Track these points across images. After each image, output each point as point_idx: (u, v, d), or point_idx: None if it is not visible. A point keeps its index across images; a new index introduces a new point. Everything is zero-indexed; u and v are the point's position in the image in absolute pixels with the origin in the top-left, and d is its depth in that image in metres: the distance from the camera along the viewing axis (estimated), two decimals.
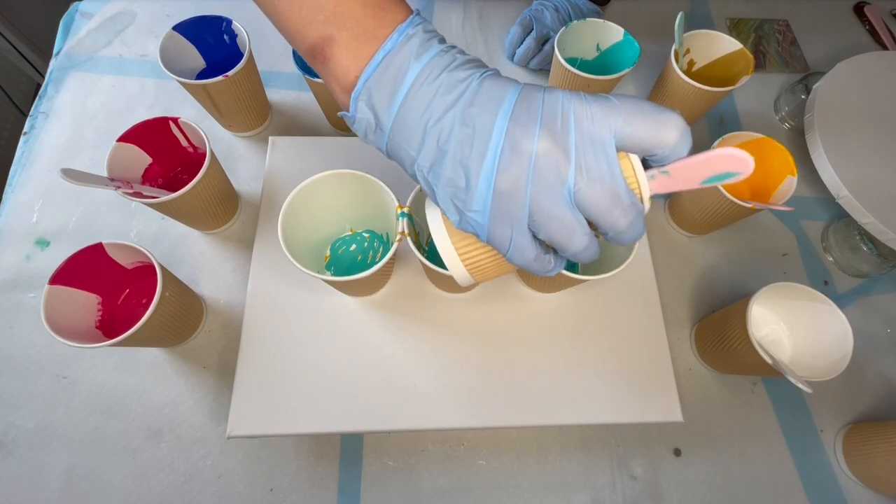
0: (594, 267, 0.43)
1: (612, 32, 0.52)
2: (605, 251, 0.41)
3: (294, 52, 0.48)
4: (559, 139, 0.23)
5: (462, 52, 0.26)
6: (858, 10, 0.72)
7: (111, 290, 0.43)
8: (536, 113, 0.23)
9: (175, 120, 0.44)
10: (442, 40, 0.26)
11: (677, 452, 0.45)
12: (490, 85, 0.24)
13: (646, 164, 0.25)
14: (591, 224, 0.25)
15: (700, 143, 0.60)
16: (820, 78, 0.57)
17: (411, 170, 0.26)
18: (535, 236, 0.25)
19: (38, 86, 0.74)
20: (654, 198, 0.56)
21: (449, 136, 0.24)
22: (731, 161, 0.23)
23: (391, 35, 0.25)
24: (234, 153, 0.56)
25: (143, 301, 0.44)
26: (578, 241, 0.24)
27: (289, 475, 0.43)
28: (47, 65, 0.60)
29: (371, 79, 0.25)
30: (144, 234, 0.51)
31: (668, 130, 0.23)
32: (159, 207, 0.42)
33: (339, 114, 0.27)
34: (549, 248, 0.26)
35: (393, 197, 0.37)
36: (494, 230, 0.24)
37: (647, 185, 0.24)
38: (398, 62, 0.25)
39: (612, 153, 0.23)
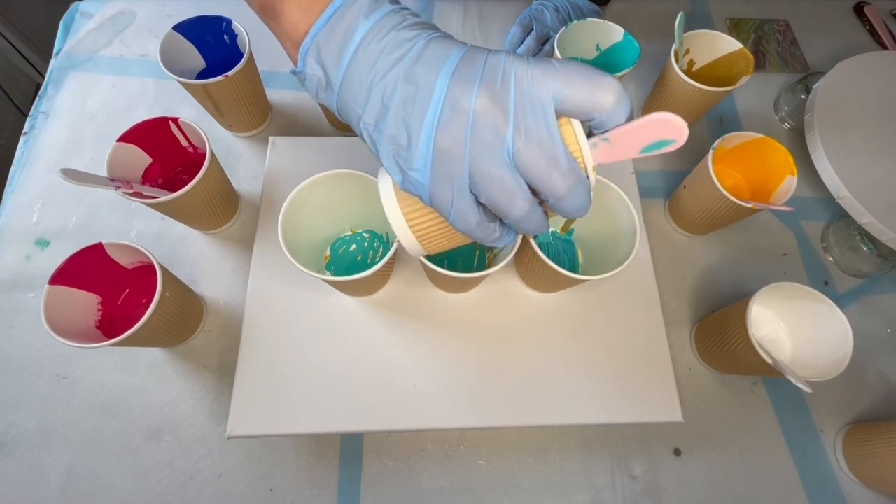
0: (594, 267, 0.43)
1: (612, 32, 0.52)
2: (605, 251, 0.41)
3: None
4: (498, 98, 0.22)
5: (414, 15, 0.26)
6: (858, 10, 0.72)
7: (111, 290, 0.43)
8: (477, 72, 0.23)
9: (175, 120, 0.44)
10: (394, 1, 0.26)
11: (677, 452, 0.45)
12: (436, 45, 0.24)
13: (590, 137, 0.25)
14: (534, 193, 0.25)
15: (700, 143, 0.60)
16: (820, 78, 0.57)
17: (358, 128, 0.26)
18: (478, 201, 0.25)
19: (38, 86, 0.74)
20: (650, 197, 0.56)
21: (393, 92, 0.24)
22: (665, 126, 0.22)
23: None
24: (234, 153, 0.56)
25: (143, 301, 0.44)
26: (519, 205, 0.24)
27: (289, 475, 0.43)
28: (47, 65, 0.60)
29: (320, 35, 0.25)
30: (144, 234, 0.51)
31: (605, 93, 0.23)
32: (159, 207, 0.42)
33: (290, 70, 0.28)
34: (494, 216, 0.26)
35: None
36: (436, 191, 0.24)
37: (589, 151, 0.24)
38: (348, 19, 0.25)
39: (550, 115, 0.23)
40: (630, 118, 0.24)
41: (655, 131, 0.23)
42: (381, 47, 0.24)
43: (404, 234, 0.29)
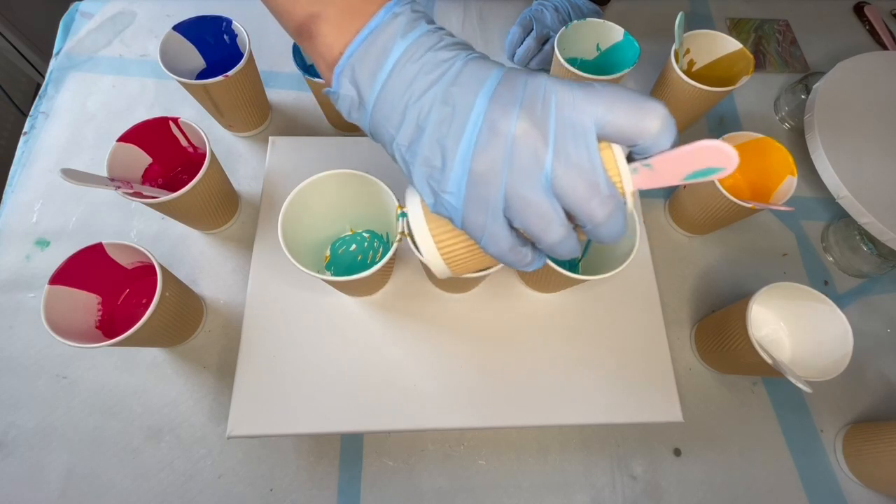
0: (594, 267, 0.43)
1: (612, 32, 0.52)
2: (605, 251, 0.41)
3: (294, 52, 0.48)
4: (539, 122, 0.22)
5: (450, 34, 0.25)
6: (858, 10, 0.72)
7: (111, 290, 0.43)
8: (517, 95, 0.23)
9: (175, 120, 0.44)
10: (430, 21, 0.26)
11: (677, 452, 0.45)
12: (474, 66, 0.24)
13: (631, 160, 0.24)
14: (569, 217, 0.24)
15: None
16: (820, 78, 0.57)
17: (390, 149, 0.26)
18: (511, 226, 0.24)
19: (38, 86, 0.74)
20: (650, 197, 0.56)
21: (428, 114, 0.24)
22: (715, 154, 0.22)
23: (378, 12, 0.25)
24: (234, 153, 0.56)
25: (143, 301, 0.44)
26: (555, 231, 0.23)
27: (289, 475, 0.43)
28: (47, 65, 0.60)
29: (355, 55, 0.25)
30: (144, 234, 0.51)
31: (650, 119, 0.22)
32: (159, 207, 0.42)
33: (324, 91, 0.27)
34: (526, 240, 0.26)
35: (393, 197, 0.37)
36: (469, 215, 0.24)
37: (629, 177, 0.24)
38: (384, 39, 0.25)
39: (592, 140, 0.22)
40: (675, 144, 0.23)
41: (704, 159, 0.22)
42: (417, 68, 0.24)
43: (432, 255, 0.28)
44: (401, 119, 0.25)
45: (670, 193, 0.56)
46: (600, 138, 0.23)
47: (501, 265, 0.35)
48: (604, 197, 0.23)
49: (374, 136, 0.27)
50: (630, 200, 0.24)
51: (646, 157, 0.23)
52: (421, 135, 0.24)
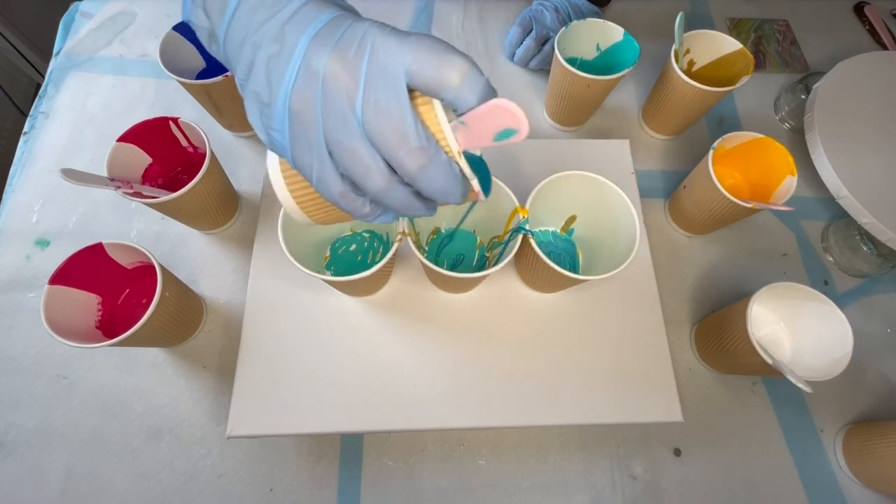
0: (594, 267, 0.43)
1: (612, 32, 0.52)
2: (605, 251, 0.41)
3: None
4: (350, 65, 0.22)
5: None
6: (858, 10, 0.72)
7: (111, 290, 0.43)
8: (335, 37, 0.22)
9: (175, 120, 0.44)
10: None
11: (677, 452, 0.45)
12: (310, 7, 0.24)
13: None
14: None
15: (700, 143, 0.60)
16: (820, 78, 0.57)
17: (238, 84, 0.26)
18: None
19: (38, 86, 0.74)
20: (650, 197, 0.56)
21: (261, 49, 0.24)
22: (505, 114, 0.22)
23: None
24: (234, 153, 0.56)
25: (143, 301, 0.44)
26: (374, 179, 0.23)
27: (289, 475, 0.43)
28: (47, 65, 0.60)
29: None
30: (144, 234, 0.51)
31: (450, 71, 0.22)
32: (159, 207, 0.42)
33: (184, 19, 0.27)
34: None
35: None
36: (296, 155, 0.24)
37: (451, 135, 0.23)
38: None
39: (401, 88, 0.22)
40: (485, 101, 0.22)
41: (500, 119, 0.22)
42: (259, 2, 0.24)
43: (285, 198, 0.28)
44: (240, 53, 0.25)
45: (670, 193, 0.56)
46: (412, 88, 0.23)
47: (499, 265, 0.35)
48: (413, 148, 0.22)
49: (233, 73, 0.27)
50: (460, 160, 0.24)
51: (461, 115, 0.23)
52: (252, 70, 0.24)
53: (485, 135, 0.23)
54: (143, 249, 0.39)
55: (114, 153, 0.42)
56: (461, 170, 0.24)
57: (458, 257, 0.44)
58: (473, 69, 0.22)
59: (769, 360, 0.38)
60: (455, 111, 0.23)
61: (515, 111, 0.22)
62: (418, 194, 0.25)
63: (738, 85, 0.49)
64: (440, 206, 0.28)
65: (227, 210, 0.51)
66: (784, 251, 0.55)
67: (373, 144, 0.23)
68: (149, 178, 0.46)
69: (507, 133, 0.23)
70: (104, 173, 0.41)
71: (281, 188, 0.28)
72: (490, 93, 0.23)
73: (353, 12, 0.25)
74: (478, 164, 0.30)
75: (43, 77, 0.60)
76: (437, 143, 0.23)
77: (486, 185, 0.30)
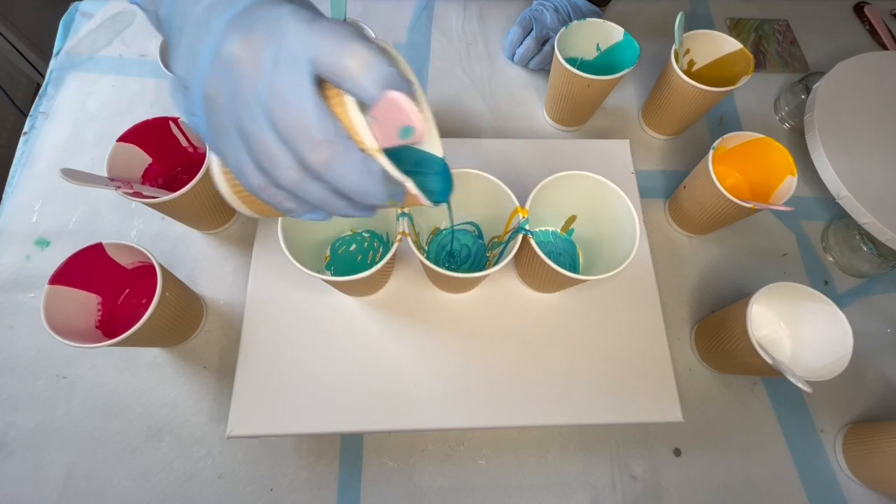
0: (594, 267, 0.43)
1: (612, 32, 0.52)
2: (605, 251, 0.41)
3: None
4: (258, 51, 0.21)
5: None
6: (858, 10, 0.72)
7: (111, 290, 0.43)
8: (247, 21, 0.22)
9: (175, 120, 0.44)
10: None
11: (677, 452, 0.45)
12: None
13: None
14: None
15: (700, 143, 0.60)
16: (820, 78, 0.57)
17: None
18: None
19: (38, 86, 0.74)
20: (651, 197, 0.56)
21: (185, 32, 0.23)
22: (397, 111, 0.20)
23: None
24: None
25: (143, 301, 0.44)
26: (284, 173, 0.22)
27: (289, 475, 0.43)
28: (47, 65, 0.60)
29: None
30: (144, 234, 0.51)
31: (349, 59, 0.20)
32: (159, 207, 0.42)
33: (130, 1, 0.27)
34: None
35: None
36: (216, 143, 0.23)
37: (366, 130, 0.21)
38: None
39: (304, 76, 0.21)
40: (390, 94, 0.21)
41: (397, 115, 0.21)
42: None
43: (224, 188, 0.27)
44: (176, 36, 0.24)
45: (670, 193, 0.56)
46: (321, 76, 0.21)
47: (499, 265, 0.35)
48: (316, 141, 0.21)
49: None
50: (379, 157, 0.22)
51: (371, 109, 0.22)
52: (181, 52, 0.24)
53: (391, 132, 0.21)
54: (143, 249, 0.39)
55: (114, 153, 0.42)
56: (387, 169, 0.22)
57: (458, 257, 0.44)
58: (376, 58, 0.21)
59: (769, 360, 0.38)
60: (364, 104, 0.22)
61: (406, 106, 0.20)
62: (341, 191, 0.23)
63: (738, 85, 0.49)
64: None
65: (227, 210, 0.50)
66: (784, 251, 0.55)
67: (280, 135, 0.21)
68: (149, 177, 0.46)
69: (406, 131, 0.21)
70: (104, 173, 0.41)
71: (219, 178, 0.27)
72: (399, 84, 0.21)
73: None
74: (434, 165, 0.28)
75: (43, 77, 0.60)
76: (350, 138, 0.22)
77: (443, 190, 0.28)
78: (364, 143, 0.22)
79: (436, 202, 0.27)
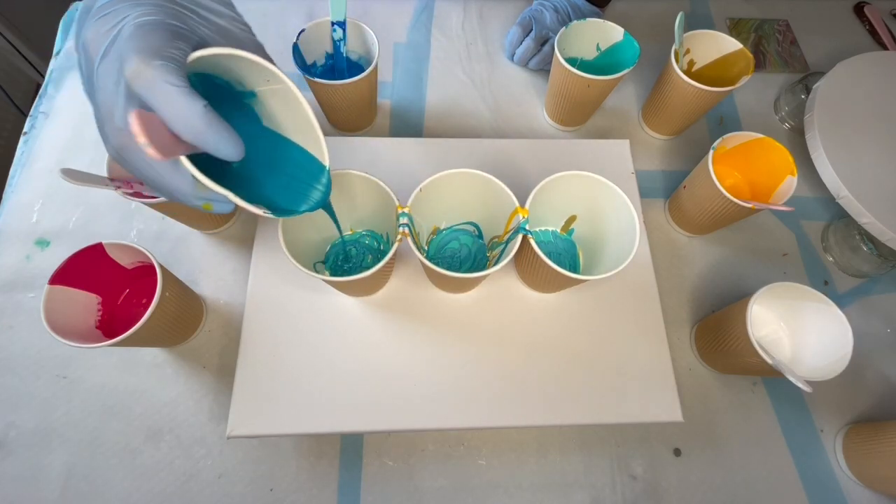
0: (594, 267, 0.43)
1: (612, 32, 0.52)
2: (605, 251, 0.41)
3: (294, 52, 0.48)
4: (100, 38, 0.24)
5: None
6: (858, 10, 0.72)
7: (111, 290, 0.43)
8: (103, 12, 0.25)
9: None
10: None
11: (677, 452, 0.45)
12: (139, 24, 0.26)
13: None
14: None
15: (700, 143, 0.60)
16: (820, 78, 0.57)
17: None
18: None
19: (38, 86, 0.74)
20: (651, 197, 0.56)
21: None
22: (149, 127, 0.22)
23: None
24: None
25: (143, 301, 0.44)
26: (107, 144, 0.25)
27: (289, 475, 0.43)
28: (47, 65, 0.60)
29: None
30: (144, 234, 0.51)
31: (129, 71, 0.23)
32: (159, 207, 0.42)
33: None
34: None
35: (393, 197, 0.37)
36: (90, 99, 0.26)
37: (139, 130, 0.23)
38: None
39: (114, 70, 0.24)
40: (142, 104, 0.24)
41: (156, 129, 0.23)
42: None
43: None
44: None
45: (670, 193, 0.56)
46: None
47: (499, 265, 0.35)
48: (115, 126, 0.24)
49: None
50: (183, 159, 0.24)
51: None
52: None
53: (163, 141, 0.23)
54: (143, 249, 0.39)
55: None
56: (194, 175, 0.24)
57: (458, 258, 0.44)
58: (138, 69, 0.23)
59: (769, 360, 0.38)
60: None
61: (133, 129, 0.21)
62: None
63: (738, 85, 0.49)
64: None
65: None
66: (784, 251, 0.55)
67: (98, 111, 0.25)
68: None
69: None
70: (104, 173, 0.41)
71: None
72: (169, 100, 0.23)
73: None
74: (311, 168, 0.30)
75: (43, 77, 0.60)
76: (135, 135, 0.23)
77: (318, 198, 0.29)
78: (139, 140, 0.22)
79: (282, 214, 0.28)
